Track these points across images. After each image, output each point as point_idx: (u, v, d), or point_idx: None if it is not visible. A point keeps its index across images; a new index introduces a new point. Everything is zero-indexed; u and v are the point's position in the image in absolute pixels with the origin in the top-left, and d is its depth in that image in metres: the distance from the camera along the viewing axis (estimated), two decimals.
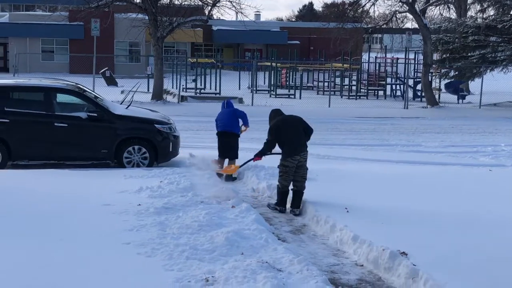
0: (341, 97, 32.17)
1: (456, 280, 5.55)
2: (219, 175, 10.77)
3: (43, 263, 5.98)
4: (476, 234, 7.21)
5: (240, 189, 10.24)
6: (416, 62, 34.53)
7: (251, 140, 14.24)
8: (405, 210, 8.32)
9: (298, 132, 8.77)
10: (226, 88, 30.20)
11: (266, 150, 8.92)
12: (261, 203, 9.42)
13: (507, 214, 8.25)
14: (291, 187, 8.84)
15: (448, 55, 30.56)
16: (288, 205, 8.88)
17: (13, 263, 5.94)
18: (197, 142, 15.20)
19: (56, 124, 11.38)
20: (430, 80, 29.81)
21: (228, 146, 11.17)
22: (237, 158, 11.15)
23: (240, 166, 10.29)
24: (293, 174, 8.73)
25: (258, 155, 9.16)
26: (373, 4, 29.03)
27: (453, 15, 33.74)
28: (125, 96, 13.96)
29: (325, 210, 8.13)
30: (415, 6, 28.16)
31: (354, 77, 34.47)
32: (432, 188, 9.91)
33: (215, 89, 31.20)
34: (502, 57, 29.28)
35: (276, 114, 9.08)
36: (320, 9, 74.68)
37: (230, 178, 10.88)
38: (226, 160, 11.28)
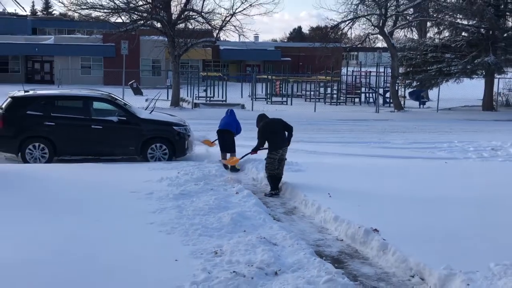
0: (325, 103, 32.13)
1: (419, 251, 5.54)
2: (225, 166, 10.84)
3: (85, 237, 5.97)
4: (435, 212, 7.20)
5: (242, 178, 10.23)
6: (385, 75, 34.54)
7: (251, 138, 14.23)
8: (378, 194, 8.30)
9: (279, 132, 9.06)
10: (231, 96, 30.21)
11: (258, 146, 9.20)
12: (260, 190, 9.41)
13: (461, 196, 8.24)
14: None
15: (411, 68, 30.52)
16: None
17: (62, 236, 5.94)
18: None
19: (92, 126, 11.39)
20: (396, 89, 29.77)
21: (225, 142, 11.30)
22: (234, 152, 11.24)
23: (241, 158, 10.33)
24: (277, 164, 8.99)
25: (254, 150, 9.35)
26: (350, 27, 28.96)
27: (415, 36, 33.68)
28: (148, 103, 13.96)
29: (312, 195, 8.12)
30: (384, 29, 28.12)
31: (335, 87, 34.43)
32: (399, 177, 9.90)
33: (222, 97, 31.16)
34: (455, 70, 29.22)
35: (261, 118, 9.37)
36: (307, 32, 74.70)
37: (234, 169, 10.93)
38: (228, 154, 11.38)
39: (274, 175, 9.00)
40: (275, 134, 9.00)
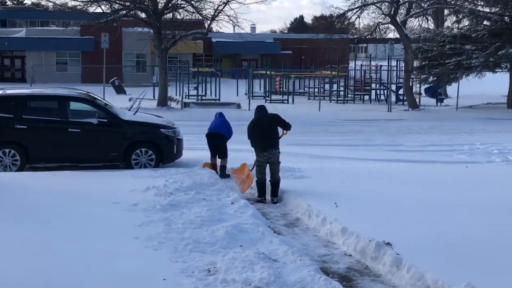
0: (330, 101, 32.15)
1: (436, 266, 5.55)
2: (213, 167, 11.13)
3: (61, 254, 5.97)
4: (452, 222, 7.22)
5: (238, 186, 10.24)
6: (398, 69, 34.60)
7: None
8: (390, 203, 8.33)
9: (266, 132, 9.28)
10: (225, 94, 30.20)
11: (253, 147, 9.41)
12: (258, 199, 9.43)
13: (482, 203, 8.26)
14: (269, 179, 9.29)
15: (427, 62, 30.58)
16: (269, 197, 9.29)
17: (33, 251, 5.93)
18: (199, 144, 15.15)
19: (69, 129, 11.36)
20: (411, 85, 29.85)
21: (215, 146, 11.40)
22: (226, 157, 11.32)
23: (251, 170, 10.23)
24: (266, 168, 9.27)
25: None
26: (358, 16, 29.00)
27: (431, 25, 33.77)
28: (132, 103, 13.96)
29: (316, 205, 8.14)
30: (396, 18, 28.19)
31: (342, 83, 34.48)
32: (414, 183, 9.93)
33: (215, 96, 31.16)
34: (476, 63, 29.29)
35: (258, 111, 9.54)
36: (310, 22, 74.81)
37: (225, 175, 11.04)
38: (218, 160, 11.48)
39: (258, 180, 9.30)
40: (260, 135, 9.26)
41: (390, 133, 19.25)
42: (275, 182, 9.27)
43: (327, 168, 11.42)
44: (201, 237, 6.68)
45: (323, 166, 11.64)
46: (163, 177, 10.25)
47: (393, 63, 34.40)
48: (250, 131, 9.41)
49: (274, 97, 32.96)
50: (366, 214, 7.66)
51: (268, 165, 9.28)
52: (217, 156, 11.50)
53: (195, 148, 14.22)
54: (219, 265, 5.74)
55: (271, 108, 24.64)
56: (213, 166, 11.51)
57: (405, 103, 29.59)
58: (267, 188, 9.44)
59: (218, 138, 11.41)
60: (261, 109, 9.65)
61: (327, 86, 35.64)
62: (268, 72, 34.24)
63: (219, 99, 29.81)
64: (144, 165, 11.67)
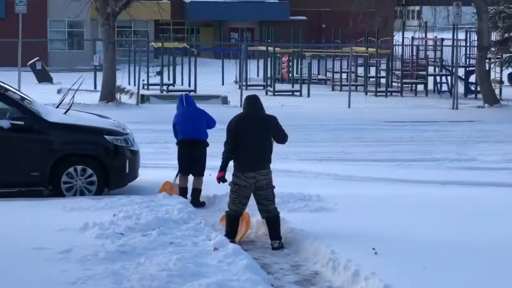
0: (366, 93, 32.23)
1: None
2: (182, 193, 11.38)
3: None
4: None
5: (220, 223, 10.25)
6: (468, 45, 34.60)
7: None
8: (455, 250, 8.34)
9: (257, 141, 9.06)
10: (205, 82, 30.18)
11: (224, 160, 9.20)
12: (254, 242, 9.43)
13: None
14: (262, 215, 9.30)
15: (511, 34, 30.67)
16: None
17: None
18: (165, 160, 15.18)
19: None
20: (487, 69, 29.87)
21: (192, 158, 11.49)
22: (203, 174, 11.54)
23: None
24: (249, 197, 9.14)
25: (220, 171, 9.25)
26: None
27: None
28: (63, 97, 13.95)
29: (344, 252, 8.13)
30: None
31: (383, 66, 34.52)
32: (493, 219, 9.93)
33: (189, 85, 31.20)
34: None
35: (245, 107, 9.31)
36: None
37: (198, 203, 11.26)
38: (190, 177, 11.63)
39: (230, 214, 9.26)
40: (245, 143, 9.04)
41: (456, 141, 19.28)
42: (273, 217, 9.20)
43: (362, 195, 11.41)
44: None
45: (355, 193, 11.64)
46: (110, 209, 10.21)
47: (461, 35, 34.40)
48: (232, 134, 9.14)
49: (280, 86, 33.02)
50: (419, 266, 7.65)
51: (253, 192, 9.14)
52: (189, 174, 11.66)
53: (158, 166, 14.20)
54: None
55: (275, 105, 24.81)
56: (182, 190, 11.59)
57: (479, 96, 29.65)
58: (262, 225, 9.50)
59: (197, 147, 11.53)
60: (252, 102, 9.31)
61: (360, 70, 35.67)
62: (271, 49, 34.25)
63: (194, 90, 29.85)
64: (80, 192, 11.66)
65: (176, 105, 12.01)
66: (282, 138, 9.35)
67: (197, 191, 11.51)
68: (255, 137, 9.09)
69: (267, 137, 9.21)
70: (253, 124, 9.16)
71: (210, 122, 11.71)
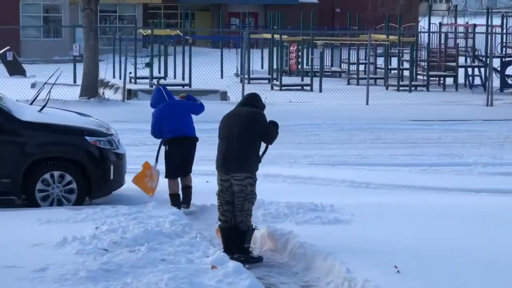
0: (387, 88, 32.30)
1: None
2: (175, 202, 11.49)
3: None
4: None
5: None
6: (504, 32, 34.58)
7: None
8: (492, 268, 8.32)
9: (234, 138, 9.29)
10: (200, 75, 30.12)
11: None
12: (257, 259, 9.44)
13: None
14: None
15: None
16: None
17: None
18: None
19: None
20: None
21: (184, 158, 11.72)
22: (191, 171, 11.77)
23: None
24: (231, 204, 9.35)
25: None
26: None
27: None
28: (38, 92, 13.96)
29: (362, 270, 8.12)
30: None
31: (407, 57, 34.51)
32: None
33: (183, 78, 31.27)
34: None
35: (239, 103, 9.75)
36: None
37: (189, 202, 11.54)
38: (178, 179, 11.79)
39: (220, 225, 9.49)
40: (223, 141, 9.39)
41: (490, 143, 19.29)
42: (240, 231, 9.35)
43: (380, 205, 11.41)
44: None
45: (372, 202, 11.64)
46: (92, 221, 10.23)
47: (496, 21, 34.37)
48: (219, 132, 9.58)
49: (287, 80, 33.01)
50: (448, 286, 7.65)
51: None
52: (182, 174, 11.82)
53: None
54: None
55: (282, 101, 24.77)
56: (174, 198, 11.66)
57: None
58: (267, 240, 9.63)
59: (190, 145, 11.75)
60: (245, 98, 9.83)
61: (380, 61, 35.64)
62: (277, 37, 34.26)
63: (189, 84, 29.91)
64: (58, 201, 11.68)
65: (151, 101, 12.11)
66: (266, 137, 9.44)
67: (189, 188, 11.64)
68: (231, 136, 9.32)
69: (247, 137, 9.30)
70: (233, 122, 9.41)
71: (196, 109, 11.88)
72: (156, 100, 11.97)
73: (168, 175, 11.84)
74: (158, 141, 12.00)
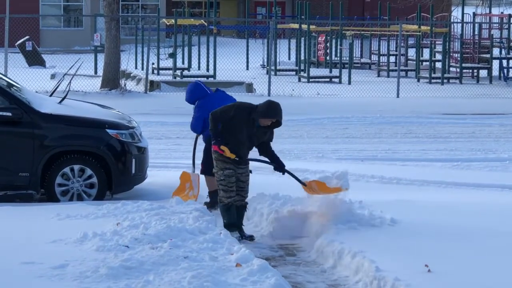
0: (418, 80, 32.20)
1: None
2: (212, 199, 11.40)
3: None
4: None
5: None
6: None
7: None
8: None
9: (253, 141, 10.34)
10: (225, 66, 30.13)
11: (215, 135, 10.21)
12: (283, 257, 9.44)
13: None
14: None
15: None
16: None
17: None
18: (178, 158, 15.21)
19: None
20: None
21: None
22: None
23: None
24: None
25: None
26: None
27: None
28: (57, 83, 14.00)
29: (392, 269, 8.09)
30: None
31: (439, 48, 34.36)
32: None
33: (207, 70, 31.25)
34: None
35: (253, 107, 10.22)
36: None
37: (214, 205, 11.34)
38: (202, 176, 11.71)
39: (228, 203, 10.14)
40: (243, 137, 10.06)
41: None
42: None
43: (411, 202, 11.39)
44: None
45: (402, 199, 11.61)
46: (113, 216, 10.25)
47: None
48: (233, 123, 10.03)
49: (315, 71, 32.96)
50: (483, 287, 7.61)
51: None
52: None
53: (170, 166, 14.23)
54: None
55: (310, 93, 24.76)
56: (212, 196, 11.55)
57: None
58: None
59: None
60: (270, 106, 10.14)
61: (412, 53, 35.50)
62: (305, 27, 34.20)
63: (213, 76, 29.90)
64: (78, 196, 11.74)
65: (188, 95, 11.83)
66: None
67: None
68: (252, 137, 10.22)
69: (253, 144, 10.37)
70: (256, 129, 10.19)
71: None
72: (195, 94, 11.66)
73: (208, 171, 11.37)
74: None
